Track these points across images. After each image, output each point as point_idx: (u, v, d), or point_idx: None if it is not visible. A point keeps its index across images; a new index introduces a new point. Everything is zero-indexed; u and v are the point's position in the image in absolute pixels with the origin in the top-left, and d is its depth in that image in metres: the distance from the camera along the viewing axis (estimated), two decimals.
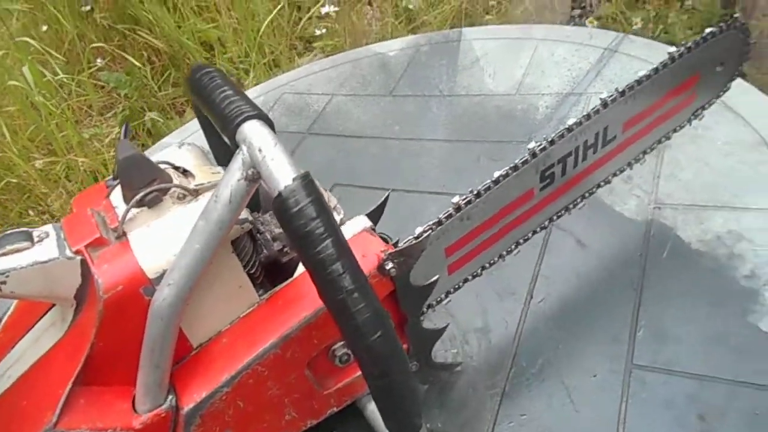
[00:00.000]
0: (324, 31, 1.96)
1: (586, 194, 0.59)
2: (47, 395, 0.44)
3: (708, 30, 0.58)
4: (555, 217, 0.58)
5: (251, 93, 1.16)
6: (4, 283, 0.40)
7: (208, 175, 0.49)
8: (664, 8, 1.93)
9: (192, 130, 1.15)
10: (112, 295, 0.42)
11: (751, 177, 0.68)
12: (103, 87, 2.19)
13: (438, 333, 0.54)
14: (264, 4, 1.98)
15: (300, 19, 2.02)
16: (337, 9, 1.88)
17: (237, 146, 0.40)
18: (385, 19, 1.84)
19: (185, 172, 0.49)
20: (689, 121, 0.63)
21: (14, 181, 1.79)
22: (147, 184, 0.44)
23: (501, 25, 1.10)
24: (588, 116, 0.53)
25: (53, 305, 0.47)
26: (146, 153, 1.15)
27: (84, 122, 2.02)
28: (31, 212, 1.73)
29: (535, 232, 0.57)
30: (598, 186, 0.60)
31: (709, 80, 0.61)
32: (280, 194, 0.35)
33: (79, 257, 0.43)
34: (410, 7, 1.91)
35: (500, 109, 0.90)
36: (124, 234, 0.44)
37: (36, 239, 0.43)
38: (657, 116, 0.59)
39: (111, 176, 0.49)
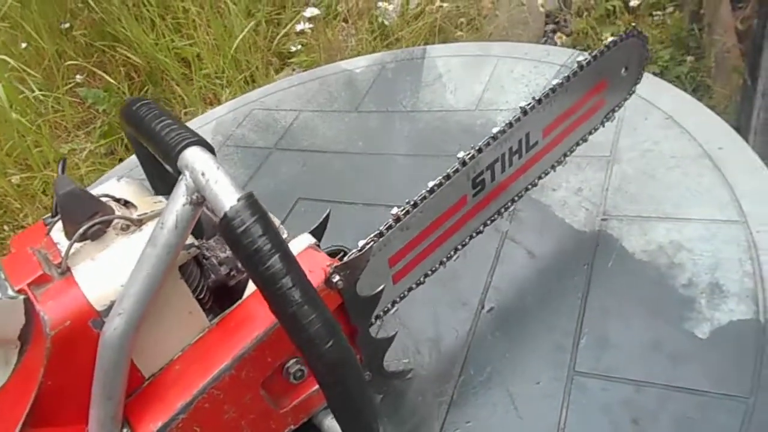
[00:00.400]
0: (300, 47, 1.98)
1: (516, 198, 0.63)
2: None
3: (610, 39, 0.62)
4: (489, 222, 0.61)
5: (222, 109, 1.18)
6: None
7: (150, 204, 0.50)
8: (634, 24, 1.97)
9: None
10: (59, 331, 0.42)
11: (693, 189, 0.71)
12: (81, 103, 2.20)
13: (388, 342, 0.56)
14: (240, 21, 2.01)
15: (276, 35, 2.05)
16: (312, 26, 1.90)
17: (179, 173, 0.41)
18: (360, 36, 1.87)
19: (126, 204, 0.50)
20: (602, 123, 0.67)
21: None
22: (89, 218, 0.45)
23: (463, 43, 1.13)
24: (510, 124, 0.57)
25: None
26: (121, 166, 1.15)
27: (61, 137, 2.03)
28: (6, 227, 1.73)
29: (471, 237, 0.59)
30: (526, 189, 0.63)
31: (616, 84, 0.66)
32: (225, 215, 0.37)
33: (22, 296, 0.43)
34: (385, 23, 1.94)
35: (460, 123, 0.92)
36: (69, 269, 0.45)
37: None
38: (573, 120, 0.63)
39: (49, 214, 0.50)
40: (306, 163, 0.96)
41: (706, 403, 0.53)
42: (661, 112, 0.81)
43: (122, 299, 0.42)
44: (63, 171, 0.49)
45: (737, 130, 0.77)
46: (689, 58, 1.70)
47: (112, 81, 2.09)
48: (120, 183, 0.53)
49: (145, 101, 0.48)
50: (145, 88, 2.16)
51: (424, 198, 0.53)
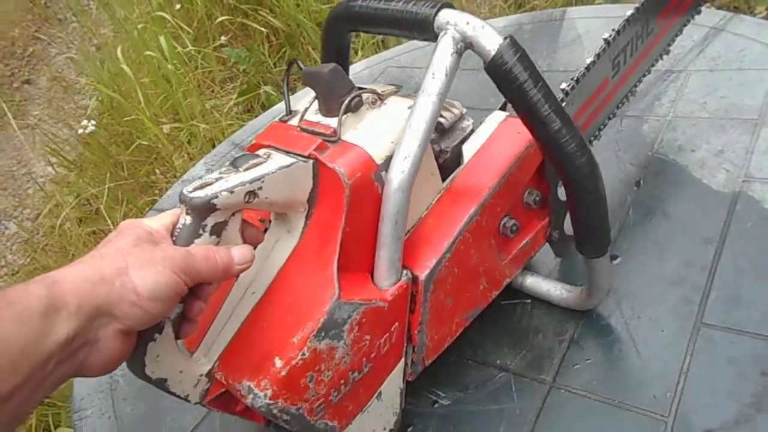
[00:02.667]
0: None
1: (641, 79, 0.74)
2: (314, 281, 0.48)
3: None
4: (620, 104, 0.72)
5: (359, 65, 1.23)
6: (260, 188, 0.44)
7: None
8: None
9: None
10: (354, 181, 0.47)
11: None
12: (225, 62, 2.36)
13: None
14: None
15: None
16: None
17: (436, 35, 0.48)
18: (493, 2, 1.87)
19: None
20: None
21: (145, 143, 1.99)
22: (347, 92, 0.51)
23: (606, 5, 1.11)
24: (634, 14, 0.66)
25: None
26: (257, 120, 1.24)
27: (206, 93, 2.19)
28: (157, 171, 1.92)
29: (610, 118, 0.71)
30: (648, 71, 0.75)
31: None
32: (496, 54, 0.45)
33: (311, 160, 0.48)
34: None
35: None
36: (340, 137, 0.50)
37: (265, 156, 0.48)
38: (677, 9, 0.75)
39: (280, 116, 0.55)
40: None
41: None
42: None
43: (406, 144, 0.47)
44: (288, 72, 0.55)
45: None
46: None
47: (253, 42, 2.22)
48: None
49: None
50: (283, 50, 2.28)
51: (583, 74, 0.62)
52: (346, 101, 0.50)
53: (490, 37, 0.45)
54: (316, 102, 0.53)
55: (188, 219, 0.42)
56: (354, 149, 0.49)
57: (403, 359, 0.53)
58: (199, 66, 2.18)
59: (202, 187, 0.43)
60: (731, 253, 0.63)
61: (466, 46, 0.46)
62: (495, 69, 0.46)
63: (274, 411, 0.45)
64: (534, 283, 0.64)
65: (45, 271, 0.42)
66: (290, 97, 0.55)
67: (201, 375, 0.47)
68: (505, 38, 0.46)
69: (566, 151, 0.47)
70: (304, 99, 0.55)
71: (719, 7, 1.89)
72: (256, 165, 0.46)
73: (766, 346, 0.54)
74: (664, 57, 0.78)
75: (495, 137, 0.58)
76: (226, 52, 2.31)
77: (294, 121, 0.53)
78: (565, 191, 0.53)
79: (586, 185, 0.50)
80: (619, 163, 0.78)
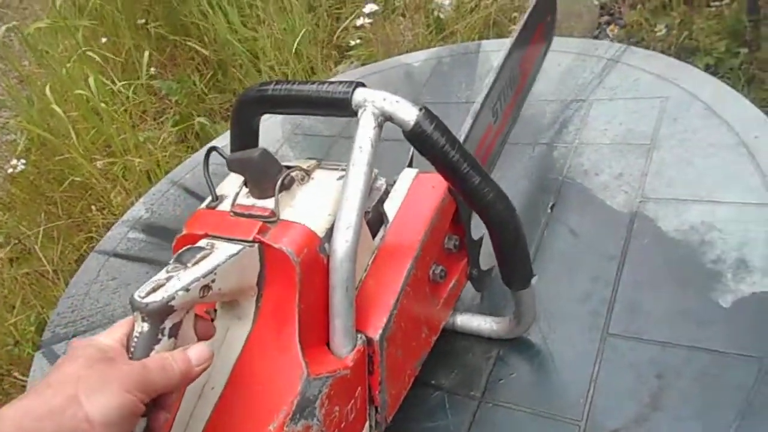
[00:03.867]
0: (359, 41, 2.08)
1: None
2: (279, 364, 0.48)
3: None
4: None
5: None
6: (213, 281, 0.44)
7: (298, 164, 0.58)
8: (689, 15, 1.98)
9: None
10: (302, 258, 0.49)
11: (727, 174, 0.76)
12: (156, 93, 2.36)
13: (480, 243, 0.68)
14: (303, 16, 2.12)
15: (336, 29, 2.15)
16: (371, 21, 1.99)
17: (354, 112, 0.52)
18: (416, 30, 1.95)
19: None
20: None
21: (78, 179, 1.97)
22: (278, 172, 0.52)
23: None
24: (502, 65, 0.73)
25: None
26: (195, 156, 1.26)
27: (139, 126, 2.19)
28: (93, 208, 1.90)
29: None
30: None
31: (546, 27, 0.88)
32: (414, 124, 0.50)
33: (256, 244, 0.49)
34: (441, 17, 2.01)
35: None
36: (278, 216, 0.51)
37: (209, 246, 0.48)
38: (532, 56, 0.85)
39: (205, 202, 0.55)
40: None
41: (726, 362, 0.59)
42: (701, 103, 0.87)
43: (345, 215, 0.49)
44: (207, 160, 0.55)
45: None
46: (743, 50, 1.70)
47: (183, 72, 2.23)
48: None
49: (275, 81, 0.57)
50: (215, 78, 2.29)
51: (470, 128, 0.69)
52: (279, 181, 0.51)
53: (406, 110, 0.50)
54: (244, 186, 0.53)
55: (145, 326, 0.41)
56: (295, 227, 0.50)
57: (367, 422, 0.55)
58: (130, 99, 2.17)
59: (154, 290, 0.42)
60: (631, 267, 0.71)
61: (385, 119, 0.51)
62: (416, 137, 0.50)
63: None
64: (464, 320, 0.69)
65: None
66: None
67: None
68: (420, 109, 0.50)
69: (487, 200, 0.53)
70: (227, 184, 0.56)
71: (623, 27, 2.04)
72: (204, 257, 0.46)
73: (661, 351, 0.62)
74: (570, 87, 0.86)
75: (413, 193, 0.62)
76: (156, 84, 2.31)
77: (224, 207, 0.53)
78: (489, 235, 0.58)
79: (507, 227, 0.56)
80: (533, 189, 0.86)
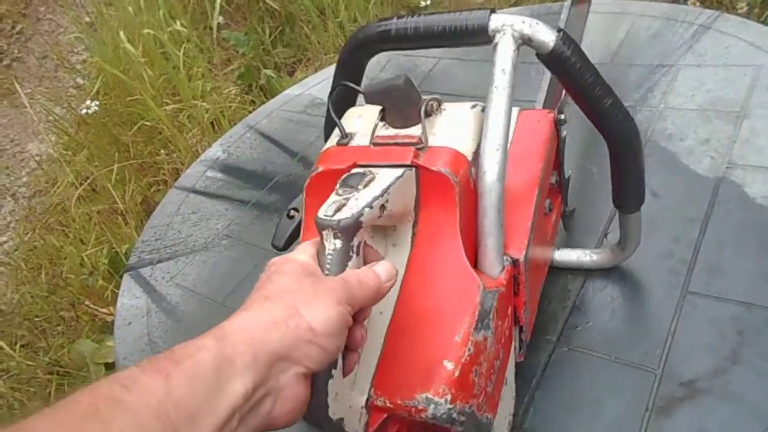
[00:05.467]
0: (429, 2, 2.07)
1: None
2: (451, 280, 0.49)
3: None
4: None
5: None
6: (387, 201, 0.45)
7: None
8: None
9: (311, 84, 1.30)
10: (460, 179, 0.49)
11: None
12: (222, 44, 2.40)
13: (568, 181, 0.71)
14: None
15: None
16: None
17: (491, 40, 0.52)
18: None
19: None
20: None
21: (147, 123, 2.03)
22: (420, 100, 0.53)
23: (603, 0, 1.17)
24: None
25: None
26: (271, 103, 1.29)
27: (206, 75, 2.23)
28: (162, 151, 1.97)
29: None
30: None
31: None
32: (553, 47, 0.51)
33: (413, 168, 0.49)
34: None
35: None
36: (426, 141, 0.52)
37: (368, 172, 0.49)
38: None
39: (332, 141, 0.54)
40: None
41: None
42: None
43: (492, 136, 0.50)
44: (333, 98, 0.56)
45: None
46: None
47: (250, 24, 2.26)
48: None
49: (396, 16, 0.57)
50: (281, 33, 2.32)
51: None
52: (423, 107, 0.51)
53: (545, 33, 0.51)
54: (376, 119, 0.53)
55: (338, 243, 0.41)
56: (447, 150, 0.50)
57: (513, 341, 0.57)
58: (199, 47, 2.22)
59: (339, 209, 0.42)
60: (713, 230, 0.71)
61: (524, 42, 0.52)
62: (554, 59, 0.52)
63: (454, 415, 0.45)
64: (563, 255, 0.72)
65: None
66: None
67: (361, 407, 0.46)
68: (558, 31, 0.51)
69: (617, 121, 0.56)
70: (348, 121, 0.56)
71: (706, 5, 1.97)
72: (371, 181, 0.46)
73: (743, 311, 0.63)
74: (657, 51, 0.86)
75: (521, 127, 0.64)
76: (224, 35, 2.35)
77: (361, 141, 0.53)
78: (611, 156, 0.60)
79: (632, 147, 0.58)
80: None
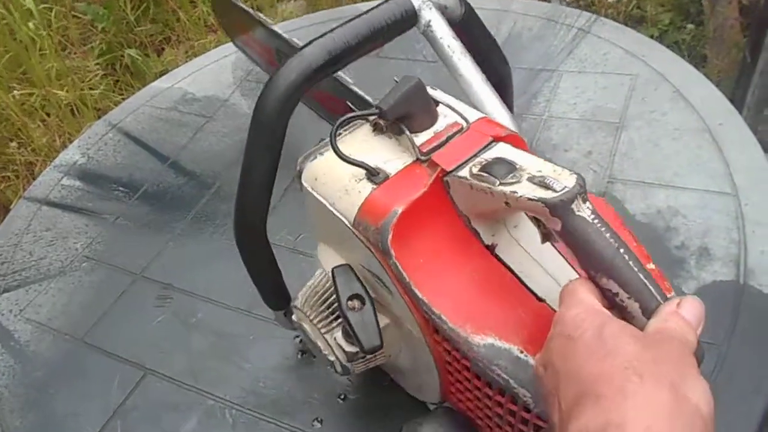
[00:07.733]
0: None
1: None
2: None
3: None
4: None
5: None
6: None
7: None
8: None
9: (181, 76, 1.18)
10: None
11: (692, 160, 0.78)
12: (80, 18, 2.17)
13: None
14: None
15: None
16: None
17: (417, 20, 0.55)
18: None
19: None
20: None
21: None
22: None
23: None
24: None
25: None
26: (134, 97, 1.17)
27: (62, 54, 2.01)
28: (13, 143, 1.75)
29: None
30: None
31: None
32: (466, 7, 0.60)
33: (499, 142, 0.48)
34: None
35: None
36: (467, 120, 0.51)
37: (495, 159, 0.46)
38: None
39: (367, 186, 0.47)
40: None
41: None
42: (669, 85, 0.88)
43: (489, 100, 0.58)
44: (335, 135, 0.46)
45: (731, 103, 0.84)
46: (689, 26, 1.74)
47: None
48: None
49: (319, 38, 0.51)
50: (145, 7, 2.13)
51: None
52: (438, 92, 0.52)
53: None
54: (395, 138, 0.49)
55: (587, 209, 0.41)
56: (484, 119, 0.50)
57: None
58: (52, 23, 1.99)
59: (545, 188, 0.40)
60: None
61: (442, 11, 0.56)
62: (466, 20, 0.59)
63: None
64: None
65: None
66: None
67: None
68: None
69: (502, 63, 0.66)
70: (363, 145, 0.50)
71: (567, 3, 2.04)
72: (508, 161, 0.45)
73: None
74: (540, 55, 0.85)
75: None
76: (80, 9, 2.12)
77: (405, 161, 0.48)
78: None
79: (509, 82, 0.68)
80: None
